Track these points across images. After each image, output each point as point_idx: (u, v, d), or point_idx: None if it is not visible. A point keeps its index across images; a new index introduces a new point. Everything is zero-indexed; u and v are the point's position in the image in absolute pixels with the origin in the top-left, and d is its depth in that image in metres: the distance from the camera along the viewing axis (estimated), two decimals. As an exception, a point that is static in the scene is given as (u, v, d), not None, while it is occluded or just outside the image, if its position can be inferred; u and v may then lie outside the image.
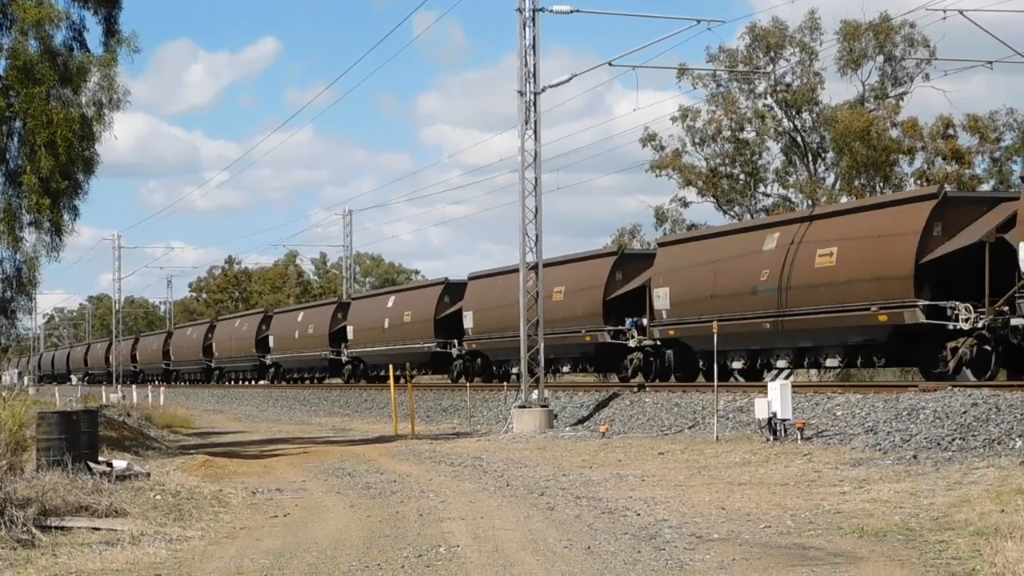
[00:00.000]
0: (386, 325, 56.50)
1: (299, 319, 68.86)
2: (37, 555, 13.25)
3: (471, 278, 50.12)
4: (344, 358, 62.06)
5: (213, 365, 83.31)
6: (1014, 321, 25.66)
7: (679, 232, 59.04)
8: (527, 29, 32.58)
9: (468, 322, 47.90)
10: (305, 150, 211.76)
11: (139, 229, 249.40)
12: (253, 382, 75.80)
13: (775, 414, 23.67)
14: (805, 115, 63.24)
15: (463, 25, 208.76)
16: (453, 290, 51.54)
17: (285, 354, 69.99)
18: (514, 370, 43.61)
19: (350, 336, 60.72)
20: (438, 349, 50.90)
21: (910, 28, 58.58)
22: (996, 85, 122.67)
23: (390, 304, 57.29)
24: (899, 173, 60.42)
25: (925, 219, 27.72)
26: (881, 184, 59.57)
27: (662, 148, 64.65)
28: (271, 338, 72.24)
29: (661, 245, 40.49)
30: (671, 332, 36.17)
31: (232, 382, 79.52)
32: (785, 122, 63.75)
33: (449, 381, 51.66)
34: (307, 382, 67.73)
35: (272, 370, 72.58)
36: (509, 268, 43.90)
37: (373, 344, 57.85)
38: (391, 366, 43.09)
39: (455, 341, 49.85)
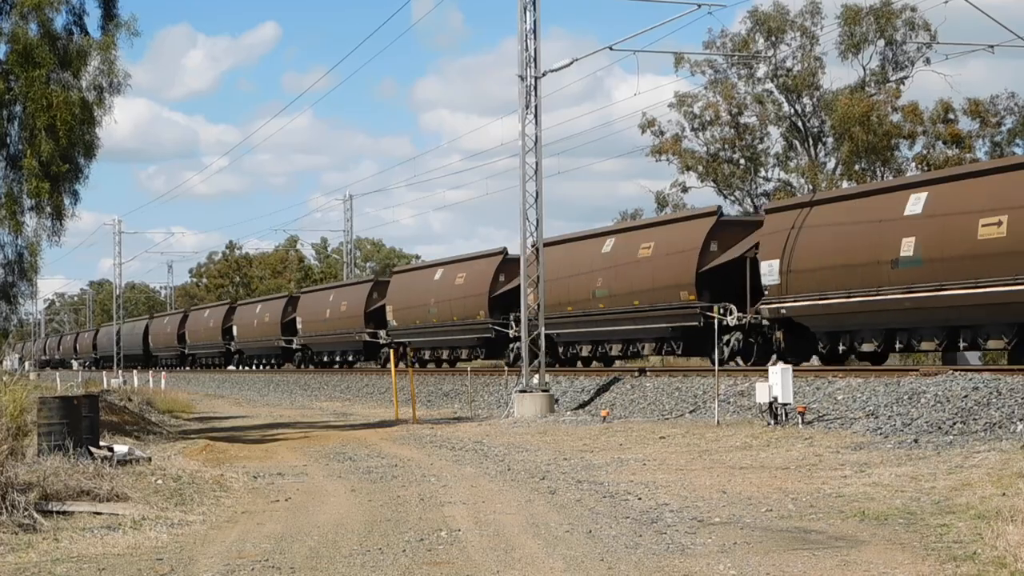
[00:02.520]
0: (432, 303, 50.33)
1: (330, 299, 63.37)
2: (39, 539, 13.25)
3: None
4: (380, 340, 56.14)
5: (233, 348, 79.55)
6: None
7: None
8: (528, 13, 32.51)
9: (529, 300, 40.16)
10: (305, 135, 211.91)
11: (139, 214, 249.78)
12: (276, 367, 72.20)
13: (776, 398, 23.69)
14: (806, 100, 63.15)
15: (462, 9, 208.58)
16: (510, 264, 44.66)
17: (314, 337, 65.28)
18: (585, 352, 40.81)
19: (389, 317, 54.46)
20: (497, 329, 44.35)
21: (911, 12, 58.54)
22: (997, 69, 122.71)
23: (437, 277, 51.10)
24: (899, 158, 60.42)
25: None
26: (881, 168, 59.52)
27: (662, 133, 64.60)
28: (299, 320, 67.30)
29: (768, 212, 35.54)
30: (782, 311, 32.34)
31: (254, 367, 75.81)
32: (786, 107, 63.67)
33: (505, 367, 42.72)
34: (337, 367, 62.57)
35: (299, 354, 68.14)
36: (585, 234, 41.84)
37: (415, 325, 51.83)
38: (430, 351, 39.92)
39: (511, 320, 42.70)
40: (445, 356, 52.52)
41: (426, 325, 51.36)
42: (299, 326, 68.21)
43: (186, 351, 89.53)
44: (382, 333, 56.90)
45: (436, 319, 50.14)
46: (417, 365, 50.59)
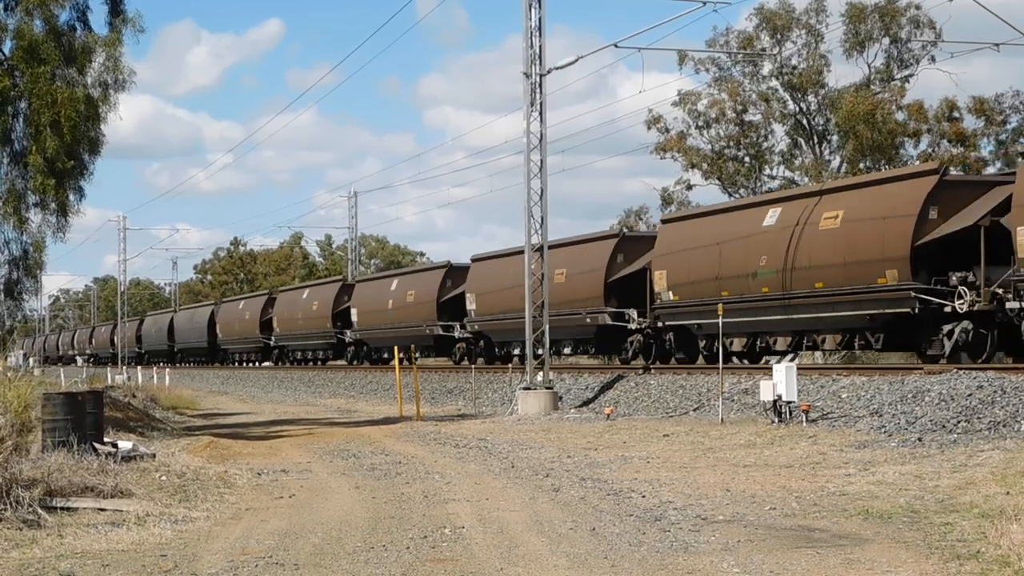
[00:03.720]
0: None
1: (392, 287, 57.55)
2: (43, 535, 13.27)
3: (667, 221, 41.00)
4: (456, 333, 50.69)
5: (273, 343, 73.40)
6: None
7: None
8: (532, 11, 32.50)
9: (661, 285, 36.61)
10: (309, 132, 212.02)
11: (144, 211, 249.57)
12: (323, 363, 67.06)
13: (780, 396, 23.67)
14: (811, 97, 63.13)
15: (466, 7, 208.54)
16: (630, 243, 40.60)
17: (373, 330, 59.00)
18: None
19: (471, 305, 48.72)
20: (611, 322, 39.37)
21: (916, 10, 58.57)
22: (1002, 67, 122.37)
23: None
24: (904, 156, 60.38)
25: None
26: (886, 167, 59.48)
27: (667, 131, 64.58)
28: (353, 312, 60.45)
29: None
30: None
31: (305, 362, 69.31)
32: (791, 104, 63.65)
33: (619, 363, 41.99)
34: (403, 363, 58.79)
35: (352, 348, 63.04)
36: (712, 210, 39.59)
37: (498, 314, 46.21)
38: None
39: (632, 313, 38.57)
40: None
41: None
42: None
43: (217, 345, 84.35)
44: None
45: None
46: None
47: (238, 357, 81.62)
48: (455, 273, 51.28)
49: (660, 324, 36.99)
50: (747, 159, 65.00)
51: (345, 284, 65.67)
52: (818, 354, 38.30)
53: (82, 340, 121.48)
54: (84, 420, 19.39)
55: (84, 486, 15.65)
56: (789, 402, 23.69)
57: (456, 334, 49.77)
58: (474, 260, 50.01)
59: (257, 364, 77.08)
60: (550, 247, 34.81)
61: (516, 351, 44.28)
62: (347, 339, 61.64)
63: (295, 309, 69.11)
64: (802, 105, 63.45)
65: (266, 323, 73.98)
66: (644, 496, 15.48)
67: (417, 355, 49.05)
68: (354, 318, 59.83)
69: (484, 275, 47.75)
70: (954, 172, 39.68)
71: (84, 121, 27.87)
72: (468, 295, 48.36)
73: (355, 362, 61.22)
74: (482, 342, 49.04)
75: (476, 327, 48.24)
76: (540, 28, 32.69)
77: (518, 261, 40.02)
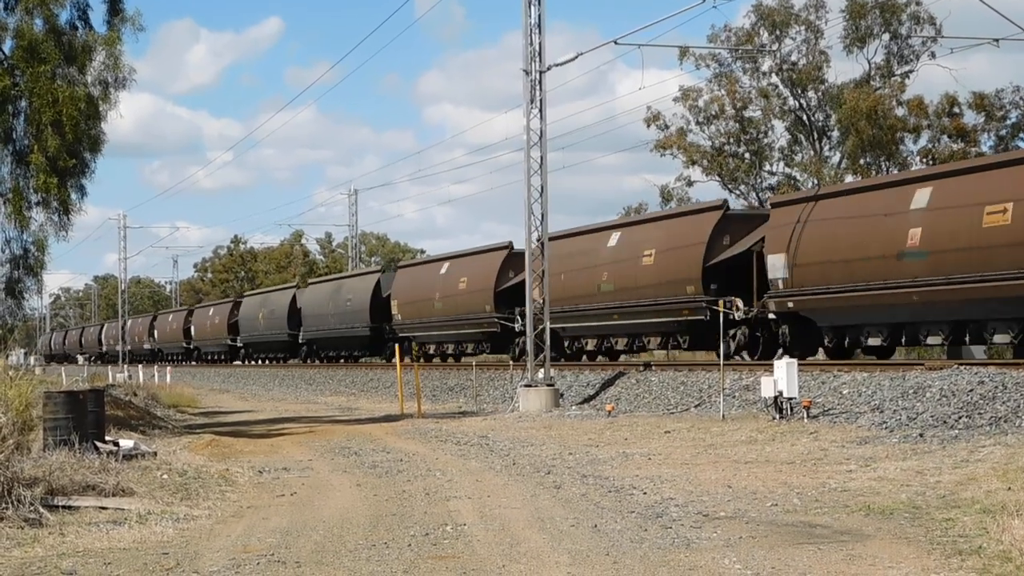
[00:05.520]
0: (330, 308, 58.68)
1: (442, 271, 51.24)
2: (44, 534, 13.28)
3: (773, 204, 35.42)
4: (517, 326, 43.68)
5: (301, 339, 67.60)
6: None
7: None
8: (532, 8, 32.48)
9: (779, 271, 32.34)
10: (309, 129, 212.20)
11: (144, 209, 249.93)
12: (353, 360, 61.74)
13: (781, 393, 23.66)
14: (811, 94, 63.14)
15: (464, 4, 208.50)
16: (735, 221, 35.83)
17: (420, 322, 52.22)
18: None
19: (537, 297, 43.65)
20: (708, 310, 33.89)
21: (916, 6, 58.59)
22: (1002, 63, 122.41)
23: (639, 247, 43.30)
24: (904, 151, 60.40)
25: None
26: (886, 162, 59.50)
27: (666, 127, 64.60)
28: (395, 304, 54.51)
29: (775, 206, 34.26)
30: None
31: (336, 359, 63.53)
32: (791, 101, 63.65)
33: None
34: (451, 359, 52.44)
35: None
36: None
37: (570, 302, 40.63)
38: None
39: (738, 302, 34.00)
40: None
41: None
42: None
43: (237, 342, 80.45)
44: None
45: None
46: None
47: (263, 357, 76.71)
48: (516, 257, 43.67)
49: (775, 314, 32.33)
50: (747, 155, 64.99)
51: (385, 272, 60.26)
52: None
53: (162, 329, 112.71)
54: (85, 419, 19.41)
55: (86, 485, 15.66)
56: (790, 398, 23.68)
57: (517, 327, 42.30)
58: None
59: (282, 362, 72.00)
60: (636, 222, 35.01)
61: (591, 346, 40.29)
62: (386, 333, 55.56)
63: (324, 303, 63.76)
64: (802, 101, 63.47)
65: (293, 317, 68.34)
66: (645, 493, 15.48)
67: (470, 349, 48.76)
68: (394, 311, 53.90)
69: (554, 258, 38.80)
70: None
71: (85, 119, 27.88)
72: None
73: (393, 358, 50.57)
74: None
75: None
76: (540, 25, 32.68)
77: (595, 241, 39.38)
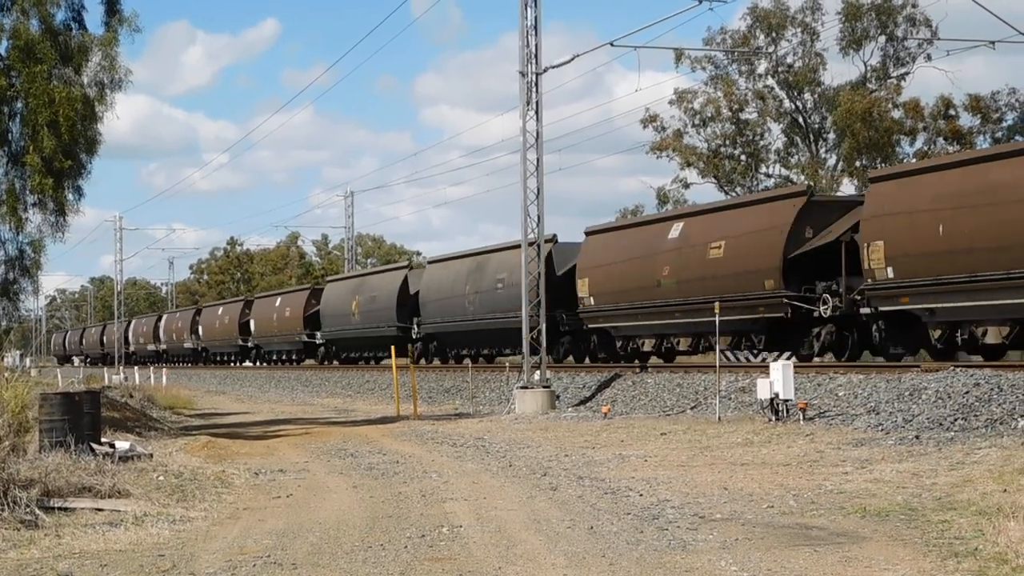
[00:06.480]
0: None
1: (471, 269, 47.44)
2: (40, 536, 13.26)
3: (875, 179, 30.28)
4: (561, 327, 40.70)
5: (319, 340, 64.52)
6: None
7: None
8: (529, 9, 32.48)
9: (873, 262, 28.24)
10: (305, 131, 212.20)
11: (140, 211, 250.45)
12: (373, 362, 58.61)
13: (777, 394, 23.66)
14: (807, 96, 63.17)
15: (461, 5, 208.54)
16: (818, 208, 31.41)
17: (444, 323, 49.11)
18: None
19: (584, 292, 38.92)
20: (791, 307, 30.61)
21: (912, 8, 58.65)
22: (998, 65, 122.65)
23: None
24: (900, 153, 60.42)
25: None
26: (882, 165, 59.55)
27: (663, 129, 64.63)
28: (423, 305, 50.72)
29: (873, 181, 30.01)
30: None
31: (370, 361, 59.31)
32: (787, 103, 63.69)
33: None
34: (478, 361, 48.10)
35: (420, 344, 52.98)
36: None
37: (624, 298, 36.89)
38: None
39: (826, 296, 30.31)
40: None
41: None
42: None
43: (249, 343, 77.50)
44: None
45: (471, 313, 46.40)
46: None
47: (276, 358, 73.46)
48: (562, 251, 40.89)
49: (871, 309, 28.58)
50: (743, 157, 65.02)
51: (412, 269, 56.27)
52: None
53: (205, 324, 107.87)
54: (81, 420, 19.38)
55: (81, 486, 15.64)
56: (786, 400, 23.68)
57: (561, 327, 39.84)
58: (589, 233, 39.88)
59: (297, 363, 69.27)
60: (702, 211, 34.35)
61: (648, 346, 36.81)
62: (414, 334, 51.42)
63: (345, 302, 59.42)
64: (798, 103, 63.50)
65: (311, 318, 65.18)
66: (642, 495, 15.48)
67: (508, 352, 43.84)
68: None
69: (602, 252, 38.00)
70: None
71: (81, 120, 27.86)
72: (580, 280, 38.71)
73: (423, 360, 50.74)
74: (594, 337, 39.74)
75: (597, 319, 38.09)
76: (536, 27, 32.68)
77: (653, 233, 36.28)
